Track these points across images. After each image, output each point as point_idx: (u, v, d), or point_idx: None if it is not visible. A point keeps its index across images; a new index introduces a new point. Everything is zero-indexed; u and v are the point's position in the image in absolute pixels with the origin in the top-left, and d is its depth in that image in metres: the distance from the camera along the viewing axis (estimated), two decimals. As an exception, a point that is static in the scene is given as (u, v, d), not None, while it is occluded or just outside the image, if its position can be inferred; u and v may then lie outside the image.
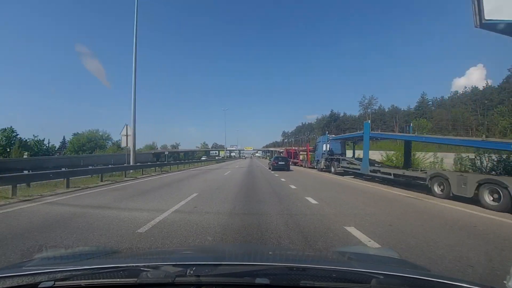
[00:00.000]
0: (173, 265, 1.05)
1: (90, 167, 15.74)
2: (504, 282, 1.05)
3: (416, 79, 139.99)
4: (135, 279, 0.94)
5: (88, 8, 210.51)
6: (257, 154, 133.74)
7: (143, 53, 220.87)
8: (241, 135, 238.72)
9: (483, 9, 1.46)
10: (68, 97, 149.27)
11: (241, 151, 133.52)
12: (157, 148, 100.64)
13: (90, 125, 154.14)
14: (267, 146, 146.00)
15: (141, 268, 1.01)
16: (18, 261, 1.97)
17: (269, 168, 23.24)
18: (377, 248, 3.17)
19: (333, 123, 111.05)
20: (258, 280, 0.94)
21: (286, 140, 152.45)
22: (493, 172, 8.94)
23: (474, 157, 10.95)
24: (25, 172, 10.99)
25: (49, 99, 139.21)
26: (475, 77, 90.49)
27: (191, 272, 0.96)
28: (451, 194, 7.50)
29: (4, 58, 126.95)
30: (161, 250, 2.96)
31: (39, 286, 0.93)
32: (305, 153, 32.05)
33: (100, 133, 74.70)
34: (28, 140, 56.20)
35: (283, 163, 21.97)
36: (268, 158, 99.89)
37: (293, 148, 47.20)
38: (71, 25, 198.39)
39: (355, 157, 16.88)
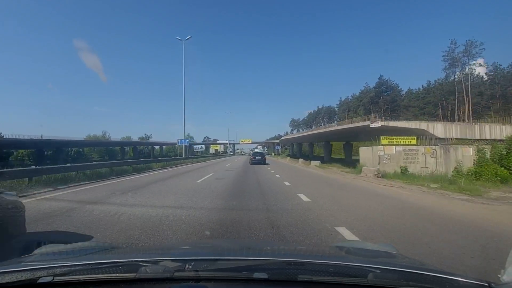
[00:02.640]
0: (172, 260, 1.06)
1: None
2: (499, 276, 1.07)
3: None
4: (134, 274, 0.95)
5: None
6: (256, 150, 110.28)
7: (136, 47, 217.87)
8: (238, 129, 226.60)
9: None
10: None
11: (236, 146, 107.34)
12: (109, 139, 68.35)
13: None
14: (273, 139, 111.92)
15: (140, 263, 1.01)
16: (17, 257, 1.97)
17: (250, 163, 25.93)
18: (374, 243, 3.19)
19: (382, 97, 66.83)
20: (256, 275, 0.95)
21: (295, 131, 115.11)
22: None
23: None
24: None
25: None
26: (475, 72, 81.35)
27: (190, 267, 0.97)
28: None
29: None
30: (160, 245, 2.98)
31: (38, 281, 0.93)
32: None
33: None
34: None
35: (260, 158, 26.57)
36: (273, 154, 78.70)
37: None
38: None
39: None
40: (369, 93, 71.51)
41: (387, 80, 70.80)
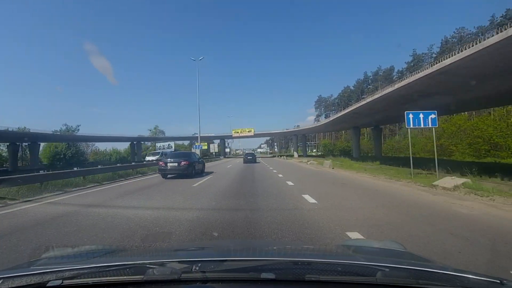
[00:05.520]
0: (179, 261, 1.07)
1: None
2: (511, 272, 1.05)
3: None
4: (142, 276, 0.95)
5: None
6: (259, 150, 76.85)
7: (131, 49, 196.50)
8: (236, 122, 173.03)
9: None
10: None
11: (233, 143, 73.24)
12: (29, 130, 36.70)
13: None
14: (296, 129, 59.73)
15: (147, 265, 1.02)
16: (26, 261, 2.00)
17: (243, 162, 26.35)
18: (381, 241, 3.17)
19: None
20: (264, 275, 0.95)
21: (323, 117, 69.21)
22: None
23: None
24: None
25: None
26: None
27: (197, 268, 0.98)
28: None
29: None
30: (167, 247, 2.99)
31: (47, 285, 0.94)
32: None
33: None
34: None
35: (251, 157, 28.33)
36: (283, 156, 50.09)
37: None
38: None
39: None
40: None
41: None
